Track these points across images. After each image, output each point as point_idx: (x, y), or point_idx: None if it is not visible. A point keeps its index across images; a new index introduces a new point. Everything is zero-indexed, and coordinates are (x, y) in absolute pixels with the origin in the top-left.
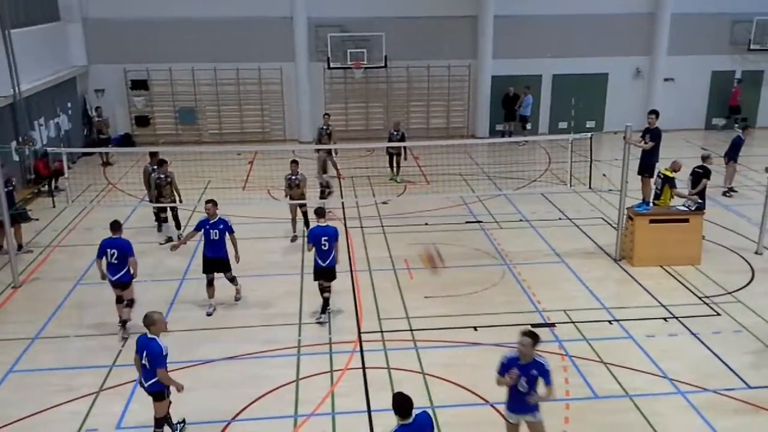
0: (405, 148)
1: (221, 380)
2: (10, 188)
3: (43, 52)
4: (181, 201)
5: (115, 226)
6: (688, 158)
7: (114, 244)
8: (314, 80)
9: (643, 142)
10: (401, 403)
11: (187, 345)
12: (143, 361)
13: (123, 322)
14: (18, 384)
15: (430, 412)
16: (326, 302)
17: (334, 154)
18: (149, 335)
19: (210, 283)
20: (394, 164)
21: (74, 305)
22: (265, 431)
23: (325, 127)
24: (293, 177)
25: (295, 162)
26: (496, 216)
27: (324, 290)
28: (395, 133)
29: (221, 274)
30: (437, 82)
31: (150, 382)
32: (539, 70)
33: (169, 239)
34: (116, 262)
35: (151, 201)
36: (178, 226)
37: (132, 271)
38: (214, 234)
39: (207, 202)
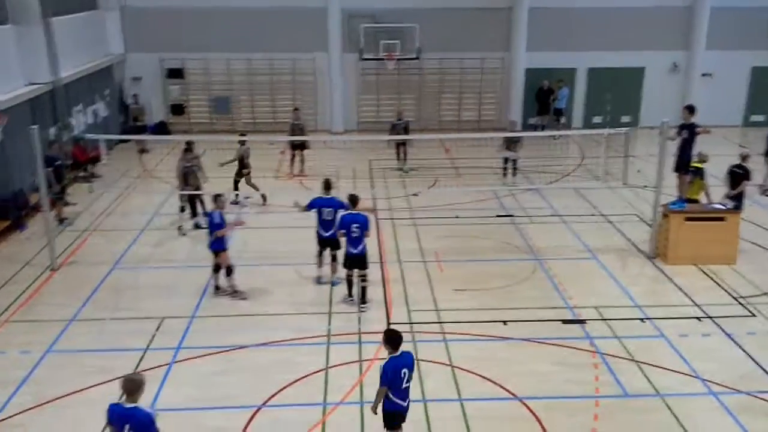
0: (407, 133)
1: (252, 366)
2: (59, 163)
3: (81, 40)
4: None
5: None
6: (726, 156)
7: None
8: (347, 71)
9: (678, 135)
10: (392, 337)
11: (219, 331)
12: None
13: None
14: (55, 364)
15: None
16: (364, 291)
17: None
18: (127, 404)
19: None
20: (401, 153)
21: (110, 289)
22: (294, 417)
23: (297, 122)
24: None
25: None
26: (527, 210)
27: (362, 279)
28: (399, 122)
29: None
30: (470, 75)
31: None
32: (574, 63)
33: (197, 226)
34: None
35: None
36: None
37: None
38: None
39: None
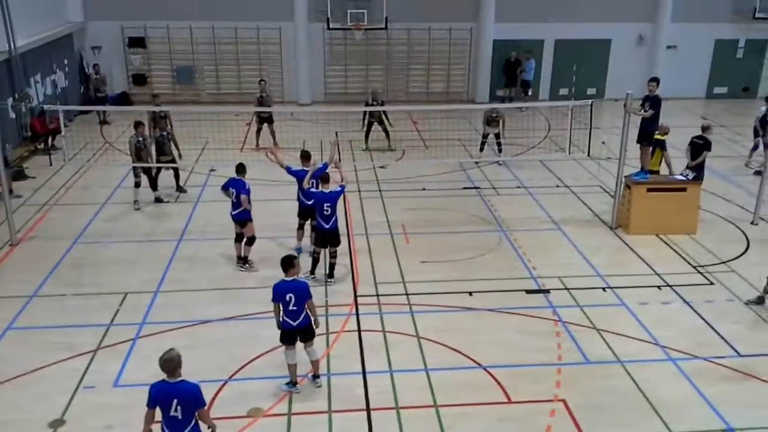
0: (386, 116)
1: (218, 340)
2: None
3: (38, 7)
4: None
5: (240, 168)
6: (689, 127)
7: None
8: (313, 41)
9: (642, 110)
10: (282, 262)
11: (184, 305)
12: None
13: (243, 259)
14: (16, 341)
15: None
16: (332, 267)
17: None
18: (171, 380)
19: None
20: (383, 133)
21: (72, 264)
22: (261, 390)
23: (265, 95)
24: None
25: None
26: (493, 182)
27: (332, 255)
28: (374, 103)
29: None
30: (438, 46)
31: None
32: (541, 35)
33: (158, 200)
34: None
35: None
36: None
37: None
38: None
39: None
